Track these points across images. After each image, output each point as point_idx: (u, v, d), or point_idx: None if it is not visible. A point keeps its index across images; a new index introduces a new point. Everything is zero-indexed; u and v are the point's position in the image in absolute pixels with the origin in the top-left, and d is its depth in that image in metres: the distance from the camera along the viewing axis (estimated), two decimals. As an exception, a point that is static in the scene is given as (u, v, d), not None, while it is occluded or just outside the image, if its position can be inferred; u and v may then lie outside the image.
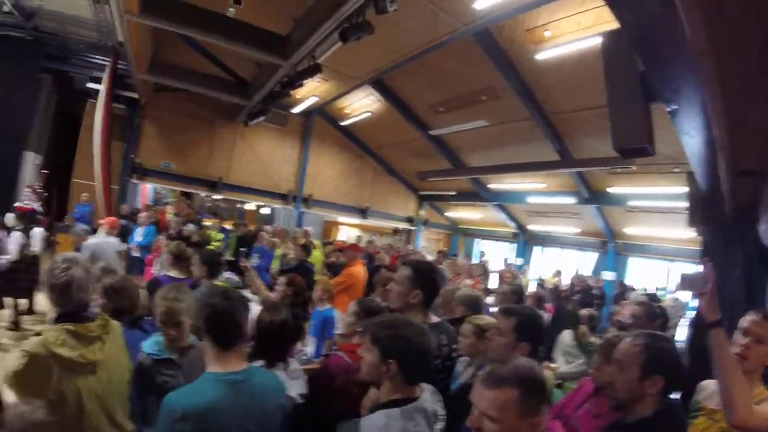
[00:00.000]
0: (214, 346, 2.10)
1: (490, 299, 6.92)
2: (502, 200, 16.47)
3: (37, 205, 10.08)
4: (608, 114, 4.29)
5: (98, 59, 13.08)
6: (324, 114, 16.17)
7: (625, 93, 4.08)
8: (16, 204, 9.54)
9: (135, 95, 13.79)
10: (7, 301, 7.26)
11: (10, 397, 2.16)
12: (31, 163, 13.23)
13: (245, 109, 13.21)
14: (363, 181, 18.16)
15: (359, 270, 7.61)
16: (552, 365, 5.37)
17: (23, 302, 7.80)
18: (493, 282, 11.11)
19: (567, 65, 8.80)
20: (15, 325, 7.38)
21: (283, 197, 16.64)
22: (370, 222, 19.31)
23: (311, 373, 3.00)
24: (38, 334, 2.36)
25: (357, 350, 2.30)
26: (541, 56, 8.80)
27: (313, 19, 7.89)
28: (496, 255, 17.98)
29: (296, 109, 14.77)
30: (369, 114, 14.40)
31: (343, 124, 16.23)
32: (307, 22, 8.28)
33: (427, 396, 2.10)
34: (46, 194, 11.45)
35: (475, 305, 3.94)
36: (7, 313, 7.33)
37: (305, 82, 9.56)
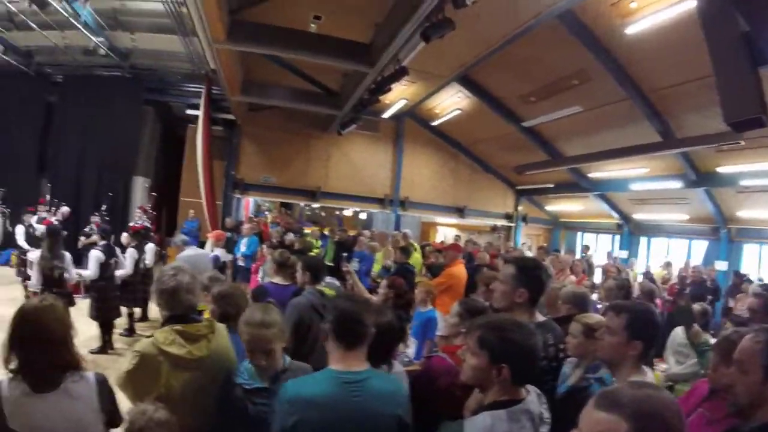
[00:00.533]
0: (338, 346, 2.21)
1: (595, 296, 6.63)
2: (603, 189, 15.57)
3: (148, 224, 10.84)
4: (715, 84, 3.93)
5: (194, 87, 14.04)
6: (414, 116, 16.16)
7: (730, 59, 3.74)
8: (130, 224, 10.34)
9: (231, 116, 14.72)
10: (124, 309, 7.94)
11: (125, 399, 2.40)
12: (141, 187, 14.72)
13: (337, 118, 13.48)
14: (459, 180, 17.89)
15: (460, 270, 7.53)
16: (662, 366, 5.11)
17: (137, 311, 8.63)
18: (598, 277, 10.62)
19: (661, 36, 8.13)
20: (130, 332, 8.21)
21: (379, 201, 16.79)
22: (468, 221, 19.06)
23: (413, 374, 2.99)
24: (149, 336, 2.57)
25: (458, 351, 2.31)
26: (631, 30, 8.22)
27: (394, 23, 7.92)
28: (600, 248, 17.27)
29: (386, 114, 14.84)
30: (459, 111, 14.20)
31: (434, 124, 16.14)
32: (388, 26, 8.35)
33: (533, 398, 2.04)
34: (156, 213, 12.39)
35: (581, 303, 3.80)
36: (123, 320, 8.04)
37: (393, 86, 9.51)
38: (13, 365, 2.14)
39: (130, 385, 2.46)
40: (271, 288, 4.65)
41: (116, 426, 2.35)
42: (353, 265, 9.27)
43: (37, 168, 14.56)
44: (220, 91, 12.81)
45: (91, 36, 11.45)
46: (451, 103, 14.17)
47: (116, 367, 6.29)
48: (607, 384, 2.45)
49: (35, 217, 10.78)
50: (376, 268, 10.00)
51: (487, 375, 1.96)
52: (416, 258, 9.92)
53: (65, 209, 11.47)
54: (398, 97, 13.04)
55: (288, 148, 15.84)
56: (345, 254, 10.63)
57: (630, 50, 9.05)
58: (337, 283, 5.79)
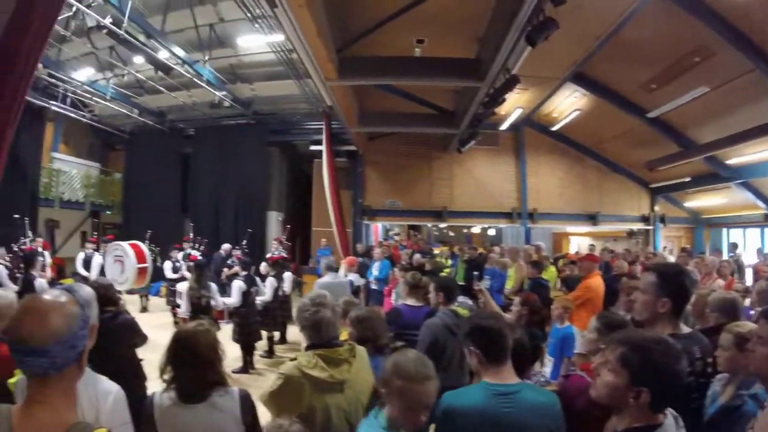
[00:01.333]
0: (486, 362, 2.37)
1: (748, 301, 6.02)
2: (745, 176, 13.77)
3: (285, 254, 11.56)
4: None
5: (314, 124, 15.15)
6: (532, 123, 15.77)
7: None
8: (268, 255, 11.10)
9: (353, 147, 15.42)
10: (264, 333, 8.58)
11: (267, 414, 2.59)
12: (275, 220, 16.23)
13: (455, 137, 13.54)
14: (587, 185, 16.89)
15: (596, 282, 7.11)
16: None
17: (276, 334, 9.30)
18: (750, 279, 9.64)
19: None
20: (270, 353, 8.88)
21: (507, 216, 16.41)
22: (602, 228, 17.85)
23: None
24: (293, 359, 2.67)
25: (591, 366, 2.18)
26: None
27: (496, 34, 7.96)
28: (749, 245, 15.10)
29: (504, 126, 14.69)
30: (578, 112, 13.62)
31: (554, 129, 15.48)
32: (491, 38, 8.40)
33: (671, 421, 1.90)
34: (290, 244, 13.23)
35: (731, 310, 3.44)
36: (263, 343, 8.72)
37: (506, 96, 9.46)
38: (166, 376, 2.48)
39: (274, 403, 2.59)
40: (405, 310, 4.71)
41: None
42: (485, 283, 9.21)
43: (180, 210, 16.91)
44: (339, 124, 13.54)
45: (214, 91, 12.93)
46: (568, 104, 13.65)
47: (257, 385, 6.89)
48: (762, 401, 2.22)
49: (181, 254, 12.11)
50: (508, 285, 9.71)
51: (623, 396, 1.84)
52: (550, 272, 9.69)
53: (227, 246, 12.75)
54: (513, 106, 12.89)
55: (410, 171, 16.20)
56: (476, 272, 10.61)
57: (749, 15, 8.26)
58: (469, 302, 5.81)
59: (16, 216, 10.73)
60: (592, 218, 16.84)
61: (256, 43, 10.63)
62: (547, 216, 16.57)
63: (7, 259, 8.97)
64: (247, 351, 8.00)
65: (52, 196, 15.53)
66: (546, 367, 4.75)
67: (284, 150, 16.83)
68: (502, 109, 11.23)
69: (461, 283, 9.96)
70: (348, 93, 11.12)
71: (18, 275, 8.15)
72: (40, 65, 11.37)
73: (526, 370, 2.93)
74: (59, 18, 9.18)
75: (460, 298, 4.99)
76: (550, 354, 4.82)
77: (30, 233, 10.65)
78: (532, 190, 16.30)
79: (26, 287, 6.38)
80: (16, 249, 9.94)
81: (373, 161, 16.28)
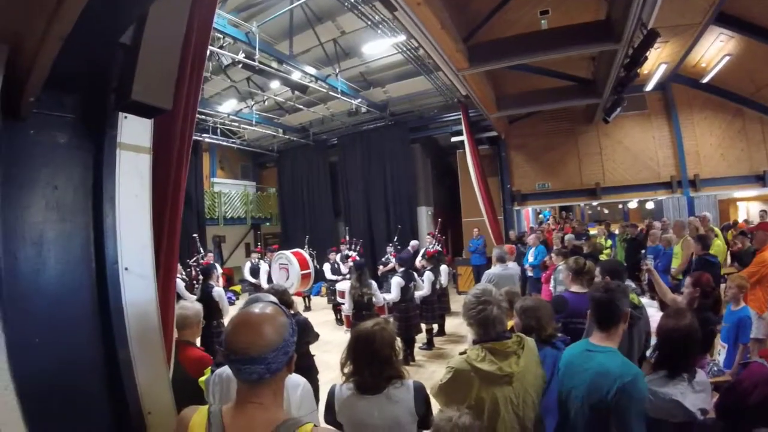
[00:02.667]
0: (595, 327, 2.79)
1: None
2: None
3: (439, 247, 11.95)
4: None
5: (452, 116, 15.38)
6: (679, 78, 14.33)
7: None
8: (425, 249, 11.50)
9: (494, 133, 15.39)
10: (423, 326, 8.89)
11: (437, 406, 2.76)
12: (425, 215, 16.56)
13: (599, 106, 12.97)
14: (752, 140, 14.57)
15: None
16: None
17: (435, 326, 9.58)
18: None
19: None
20: (429, 345, 9.18)
21: (666, 186, 15.00)
22: None
23: (724, 385, 2.89)
24: (462, 353, 2.78)
25: None
26: None
27: (623, -14, 7.57)
28: None
29: (649, 86, 13.72)
30: (728, 57, 12.14)
31: (704, 81, 13.82)
32: (619, -9, 8.00)
33: None
34: (443, 237, 13.56)
35: None
36: (422, 336, 9.04)
37: (647, 54, 8.85)
38: (346, 370, 2.77)
39: (443, 395, 2.73)
40: (570, 297, 4.55)
41: (427, 428, 2.71)
42: (648, 263, 8.77)
43: (333, 215, 18.36)
44: (478, 112, 13.65)
45: (349, 100, 13.65)
46: (715, 50, 12.18)
47: (417, 376, 7.26)
48: None
49: (338, 255, 13.08)
50: (674, 264, 8.99)
51: None
52: (718, 246, 8.76)
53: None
54: (656, 63, 12.08)
55: (557, 150, 15.71)
56: (643, 251, 10.14)
57: None
58: (632, 284, 5.49)
59: (194, 235, 12.38)
60: (761, 179, 14.42)
61: (380, 48, 10.96)
62: (709, 182, 14.68)
63: (183, 273, 10.20)
64: (408, 344, 8.40)
65: (216, 216, 17.82)
66: (719, 354, 4.48)
67: (426, 145, 17.22)
68: (644, 68, 10.43)
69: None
70: (481, 79, 11.11)
71: (196, 286, 9.34)
72: None
73: (698, 359, 2.86)
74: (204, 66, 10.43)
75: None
76: (723, 340, 4.50)
77: (201, 249, 12.06)
78: (690, 154, 14.71)
79: (205, 296, 7.27)
80: (191, 264, 11.37)
81: (516, 144, 16.06)
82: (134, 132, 2.48)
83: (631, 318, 3.62)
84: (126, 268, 2.41)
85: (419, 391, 2.73)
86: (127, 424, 2.31)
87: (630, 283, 5.12)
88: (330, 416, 2.76)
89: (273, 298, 1.91)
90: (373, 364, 2.68)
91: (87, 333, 2.25)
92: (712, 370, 3.97)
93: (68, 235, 2.26)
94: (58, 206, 2.24)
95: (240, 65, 9.90)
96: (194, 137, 11.90)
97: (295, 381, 2.61)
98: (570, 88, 12.81)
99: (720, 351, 4.49)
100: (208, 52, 9.35)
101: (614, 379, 2.42)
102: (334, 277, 12.29)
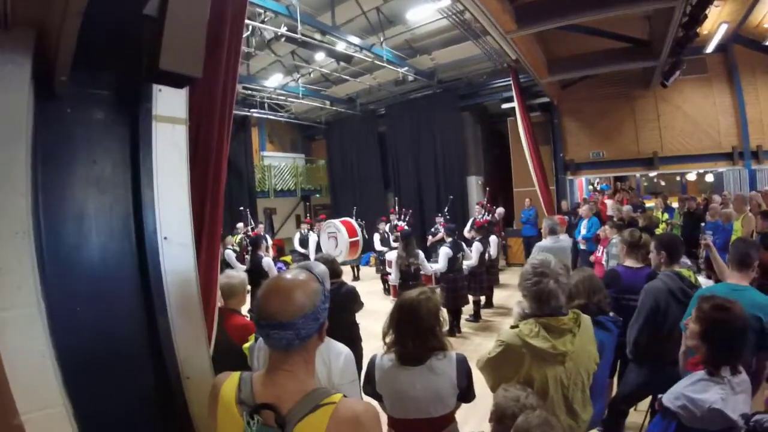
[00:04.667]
0: (732, 268, 3.48)
1: None
2: None
3: (489, 217, 11.87)
4: None
5: (502, 82, 14.98)
6: (742, 40, 13.27)
7: None
8: (473, 218, 11.52)
9: (546, 99, 14.94)
10: (470, 297, 8.95)
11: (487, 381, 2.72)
12: (474, 184, 16.38)
13: (657, 69, 12.32)
14: None
15: None
16: None
17: (483, 298, 9.55)
18: None
19: None
20: (476, 317, 9.17)
21: (727, 156, 14.01)
22: None
23: None
24: (514, 326, 2.67)
25: None
26: None
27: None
28: None
29: (710, 48, 12.79)
30: None
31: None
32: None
33: None
34: (494, 207, 13.43)
35: None
36: (469, 307, 9.08)
37: (707, 11, 8.50)
38: (388, 339, 2.73)
39: (490, 370, 2.66)
40: (623, 272, 4.49)
41: (468, 401, 2.74)
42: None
43: (382, 185, 18.48)
44: (528, 77, 13.26)
45: (396, 69, 13.50)
46: None
47: (463, 348, 7.43)
48: None
49: (388, 225, 13.16)
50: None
51: None
52: None
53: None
54: (716, 22, 11.33)
55: (612, 116, 15.02)
56: (702, 224, 9.73)
57: None
58: (688, 261, 5.32)
59: (241, 208, 12.83)
60: (830, 151, 13.44)
61: (425, 14, 10.84)
62: None
63: (234, 244, 10.46)
64: (454, 315, 8.45)
65: (266, 188, 18.28)
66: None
67: (475, 113, 16.90)
68: (704, 28, 9.98)
69: (680, 239, 9.24)
70: (531, 42, 10.83)
71: (246, 256, 9.60)
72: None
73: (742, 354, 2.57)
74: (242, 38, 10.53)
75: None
76: None
77: (252, 222, 12.35)
78: (753, 123, 13.64)
79: (255, 266, 7.46)
80: (241, 235, 11.66)
81: (569, 110, 15.48)
82: (169, 104, 2.53)
83: (687, 298, 3.52)
84: (165, 238, 2.47)
85: (462, 363, 2.69)
86: (166, 389, 2.40)
87: (686, 261, 4.92)
88: (370, 387, 2.75)
89: (322, 267, 1.91)
90: (416, 334, 2.63)
91: (128, 302, 2.34)
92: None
93: (108, 208, 2.34)
94: (97, 181, 2.32)
95: (283, 39, 9.93)
96: (243, 112, 12.38)
97: (338, 349, 2.61)
98: (625, 50, 12.26)
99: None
100: (248, 28, 9.59)
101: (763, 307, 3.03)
102: (383, 248, 12.39)
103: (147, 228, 2.39)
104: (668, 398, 2.49)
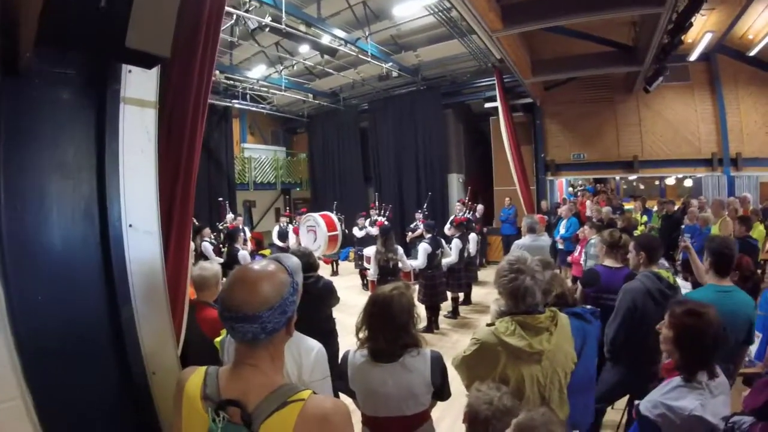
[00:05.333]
0: (715, 274, 3.56)
1: None
2: None
3: (469, 215, 11.83)
4: None
5: (486, 81, 14.96)
6: (725, 50, 13.51)
7: None
8: (453, 216, 11.44)
9: (529, 100, 14.97)
10: (449, 294, 8.94)
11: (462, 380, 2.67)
12: (455, 182, 16.43)
13: (640, 75, 12.47)
14: None
15: None
16: None
17: (461, 295, 9.58)
18: None
19: None
20: (454, 314, 9.21)
21: (706, 163, 14.21)
22: None
23: (757, 379, 2.67)
24: (489, 324, 2.66)
25: None
26: None
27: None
28: None
29: (693, 56, 12.91)
30: None
31: (752, 54, 12.97)
32: (664, -48, 7.62)
33: None
34: (473, 204, 13.41)
35: None
36: (448, 304, 9.06)
37: (693, 19, 8.40)
38: (361, 335, 2.69)
39: (466, 368, 2.62)
40: (603, 271, 4.50)
41: (443, 399, 2.74)
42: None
43: (363, 180, 18.40)
44: (512, 77, 13.21)
45: (380, 64, 13.42)
46: (764, 21, 11.39)
47: (440, 345, 7.51)
48: None
49: (368, 220, 13.13)
50: None
51: None
52: (759, 230, 8.52)
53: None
54: (701, 31, 11.42)
55: (594, 119, 15.11)
56: (682, 227, 9.83)
57: None
58: (666, 263, 5.37)
59: (220, 199, 12.79)
60: (807, 162, 13.72)
61: (412, 9, 10.70)
62: (752, 161, 13.91)
63: (212, 236, 10.38)
64: (433, 311, 8.44)
65: (246, 181, 18.15)
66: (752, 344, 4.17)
67: (458, 111, 16.93)
68: (688, 36, 9.98)
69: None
70: (517, 42, 10.78)
71: (222, 250, 9.51)
72: (217, 72, 13.11)
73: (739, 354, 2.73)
74: (224, 27, 10.34)
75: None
76: (758, 329, 4.20)
77: (231, 214, 12.21)
78: (733, 131, 13.90)
79: (231, 259, 7.36)
80: (220, 227, 11.56)
81: (552, 112, 15.57)
82: (139, 86, 2.43)
83: (665, 298, 3.51)
84: (130, 225, 2.38)
85: (436, 360, 2.66)
86: (131, 384, 2.31)
87: (664, 263, 4.96)
88: (343, 383, 2.71)
89: (294, 259, 1.87)
90: (389, 330, 2.59)
91: (91, 291, 2.24)
92: (744, 362, 3.79)
93: (71, 192, 2.23)
94: (60, 164, 2.21)
95: (267, 29, 9.78)
96: (225, 103, 12.26)
97: (309, 345, 2.53)
98: (610, 54, 12.35)
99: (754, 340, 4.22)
100: (233, 17, 9.46)
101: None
102: (362, 235, 12.53)
103: (111, 215, 2.30)
104: (645, 407, 2.41)
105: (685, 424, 2.23)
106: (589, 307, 3.48)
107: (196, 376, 1.53)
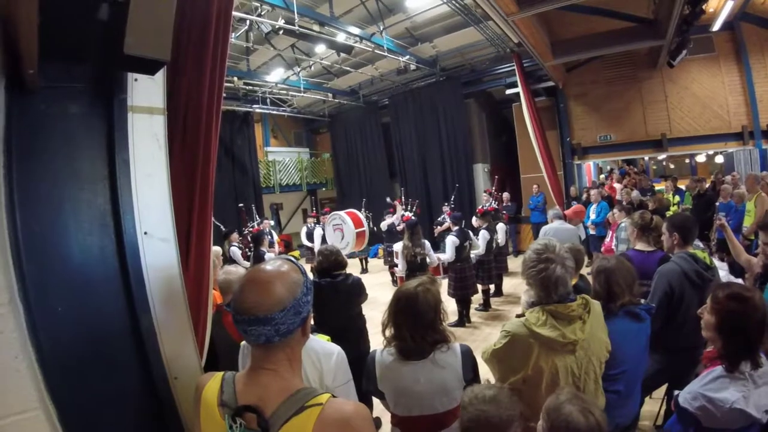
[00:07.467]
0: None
1: None
2: None
3: (496, 205, 11.78)
4: None
5: (505, 67, 14.86)
6: (749, 17, 13.03)
7: None
8: (479, 207, 11.40)
9: (551, 83, 14.73)
10: (479, 286, 8.89)
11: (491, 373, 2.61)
12: (481, 172, 16.36)
13: (663, 49, 12.11)
14: None
15: None
16: None
17: (492, 287, 9.50)
18: None
19: None
20: (485, 306, 9.12)
21: (737, 137, 13.65)
22: None
23: None
24: (520, 315, 2.63)
25: None
26: None
27: None
28: None
29: (716, 26, 12.22)
30: None
31: None
32: None
33: None
34: (500, 194, 13.29)
35: None
36: (479, 296, 9.02)
37: None
38: (388, 333, 2.66)
39: (496, 361, 2.54)
40: (635, 255, 4.29)
41: None
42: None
43: (388, 175, 18.51)
44: (532, 61, 13.02)
45: (397, 58, 13.36)
46: None
47: (472, 338, 7.43)
48: None
49: (394, 216, 13.06)
50: (746, 222, 8.44)
51: None
52: None
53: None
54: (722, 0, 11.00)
55: (619, 99, 14.80)
56: (716, 204, 9.56)
57: None
58: (701, 244, 5.19)
59: (240, 204, 12.90)
60: (841, 129, 13.18)
61: (424, 0, 10.75)
62: None
63: (239, 240, 10.46)
64: (463, 305, 8.38)
65: (272, 184, 18.43)
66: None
67: (480, 99, 16.81)
68: (710, 5, 9.78)
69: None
70: (534, 24, 10.55)
71: (249, 254, 9.58)
72: (235, 78, 13.48)
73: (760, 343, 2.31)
74: (239, 33, 10.34)
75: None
76: None
77: (257, 217, 12.34)
78: (763, 101, 13.31)
79: (257, 262, 7.39)
80: (245, 232, 11.66)
81: (576, 94, 15.30)
82: (146, 93, 2.44)
83: (703, 280, 3.39)
84: (145, 233, 2.39)
85: (467, 354, 2.63)
86: (153, 390, 2.32)
87: (699, 244, 4.80)
88: (371, 385, 2.65)
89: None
90: (415, 328, 2.55)
91: (110, 301, 2.25)
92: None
93: (86, 203, 2.25)
94: (74, 176, 2.23)
95: (281, 32, 9.82)
96: (245, 108, 12.39)
97: (329, 349, 2.52)
98: (630, 30, 12.04)
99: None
100: (246, 22, 9.50)
101: None
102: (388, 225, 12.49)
103: (126, 223, 2.31)
104: (685, 398, 2.31)
105: (726, 417, 2.14)
106: (643, 302, 3.17)
107: (213, 381, 1.52)
